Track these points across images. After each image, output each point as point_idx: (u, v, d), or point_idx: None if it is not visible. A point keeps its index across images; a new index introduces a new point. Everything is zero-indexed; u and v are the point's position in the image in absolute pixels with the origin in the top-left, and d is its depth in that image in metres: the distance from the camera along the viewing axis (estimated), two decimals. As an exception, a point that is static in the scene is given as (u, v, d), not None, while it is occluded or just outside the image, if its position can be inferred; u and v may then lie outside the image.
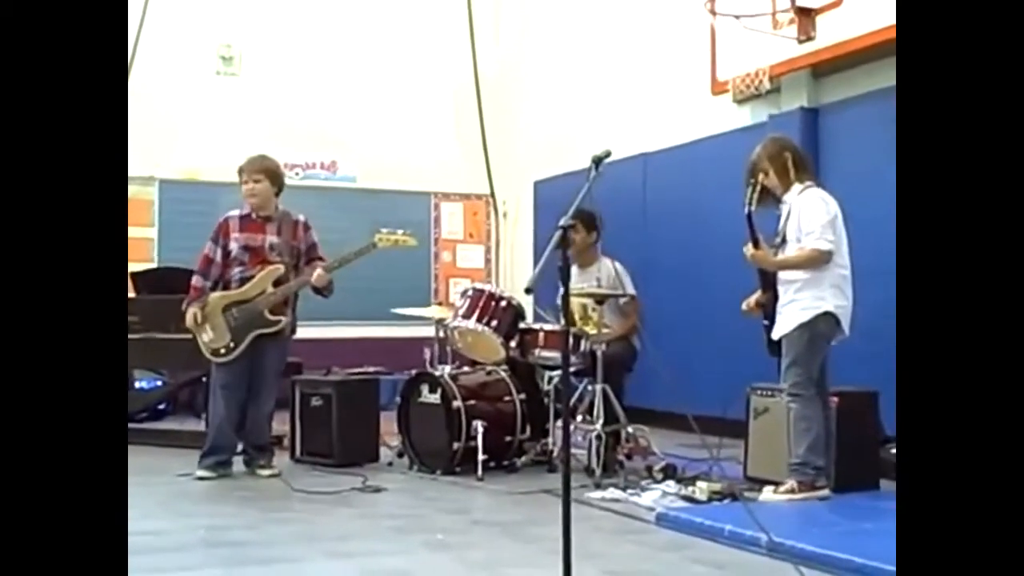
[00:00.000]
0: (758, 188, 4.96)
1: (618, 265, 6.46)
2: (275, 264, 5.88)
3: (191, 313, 5.89)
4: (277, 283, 5.86)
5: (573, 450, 5.05)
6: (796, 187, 5.04)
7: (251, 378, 5.93)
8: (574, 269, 6.54)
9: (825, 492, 4.90)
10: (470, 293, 6.27)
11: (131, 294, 8.19)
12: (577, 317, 6.03)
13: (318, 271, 5.81)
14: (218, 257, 5.95)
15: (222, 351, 5.87)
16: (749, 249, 5.02)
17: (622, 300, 6.34)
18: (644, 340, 6.24)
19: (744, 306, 5.29)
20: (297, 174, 10.48)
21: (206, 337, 5.90)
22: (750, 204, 4.93)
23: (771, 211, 5.13)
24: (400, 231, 6.07)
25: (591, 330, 5.86)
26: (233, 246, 5.92)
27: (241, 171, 6.00)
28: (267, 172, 5.98)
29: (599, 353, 5.71)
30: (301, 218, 6.08)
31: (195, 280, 5.97)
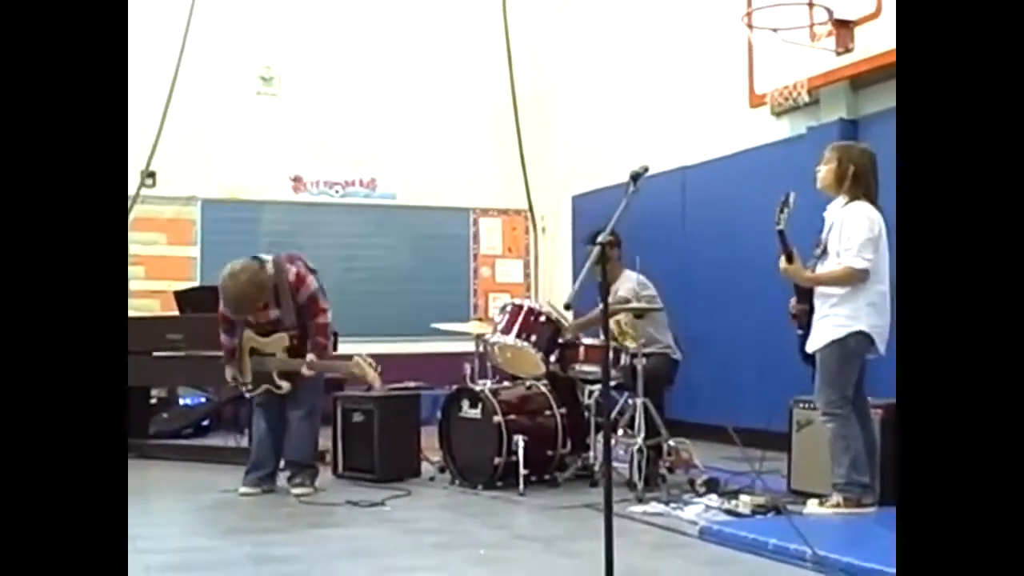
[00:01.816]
0: (789, 208, 4.91)
1: (641, 277, 6.42)
2: (281, 334, 5.91)
3: (229, 374, 6.05)
4: (287, 350, 5.91)
5: (614, 464, 5.07)
6: (841, 199, 4.99)
7: (285, 394, 5.98)
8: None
9: (872, 509, 4.82)
10: (509, 308, 6.29)
11: (175, 312, 8.30)
12: (616, 333, 6.02)
13: (310, 358, 5.81)
14: (236, 338, 6.01)
15: (243, 388, 6.10)
16: (782, 263, 4.99)
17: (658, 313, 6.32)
18: (683, 349, 6.20)
19: (790, 306, 5.23)
20: (337, 192, 10.59)
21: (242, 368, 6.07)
22: (779, 223, 4.89)
23: (810, 223, 5.09)
24: (370, 362, 6.01)
25: (629, 344, 5.84)
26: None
27: (239, 312, 5.86)
28: (261, 294, 5.78)
29: (639, 367, 5.70)
30: (292, 271, 5.90)
31: (224, 340, 6.01)
